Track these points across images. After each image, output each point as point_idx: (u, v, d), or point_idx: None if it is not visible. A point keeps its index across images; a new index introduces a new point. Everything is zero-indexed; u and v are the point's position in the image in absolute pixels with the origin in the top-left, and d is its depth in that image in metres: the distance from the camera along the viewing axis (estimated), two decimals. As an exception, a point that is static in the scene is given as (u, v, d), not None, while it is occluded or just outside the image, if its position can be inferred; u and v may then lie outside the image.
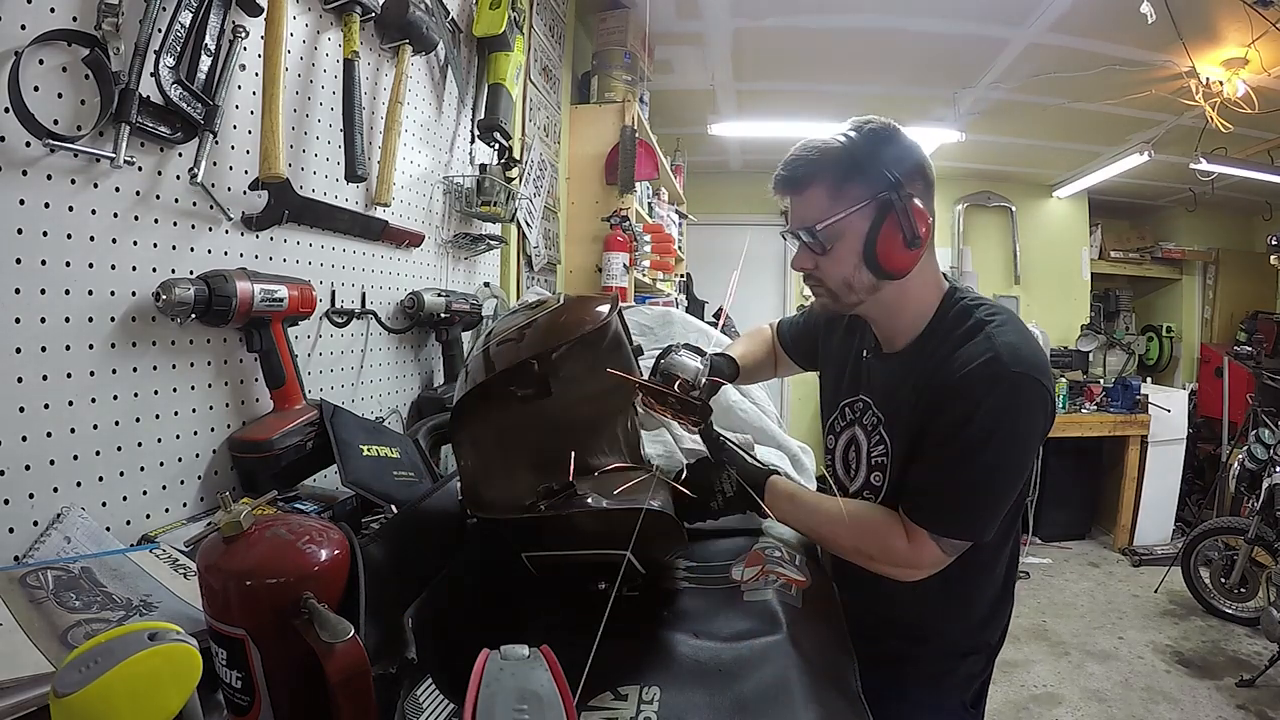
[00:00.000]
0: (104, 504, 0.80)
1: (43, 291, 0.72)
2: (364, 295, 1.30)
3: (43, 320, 0.72)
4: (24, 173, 0.70)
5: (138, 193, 0.82)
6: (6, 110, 0.67)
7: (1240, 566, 3.27)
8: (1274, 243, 3.85)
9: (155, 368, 0.86)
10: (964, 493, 0.84)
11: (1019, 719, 2.60)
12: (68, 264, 0.74)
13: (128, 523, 0.83)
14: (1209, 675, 2.87)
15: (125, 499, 0.82)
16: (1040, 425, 0.85)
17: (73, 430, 0.76)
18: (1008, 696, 2.70)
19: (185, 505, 0.91)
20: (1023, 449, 0.85)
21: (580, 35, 2.81)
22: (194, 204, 0.91)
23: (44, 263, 0.72)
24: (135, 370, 0.83)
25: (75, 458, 0.76)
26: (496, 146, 1.69)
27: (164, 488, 0.88)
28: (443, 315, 1.45)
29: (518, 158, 1.81)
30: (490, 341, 0.82)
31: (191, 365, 0.91)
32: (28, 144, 0.69)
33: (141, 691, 0.43)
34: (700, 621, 0.76)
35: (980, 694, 1.05)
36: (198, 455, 0.93)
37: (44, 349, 0.72)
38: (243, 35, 0.92)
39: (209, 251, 0.94)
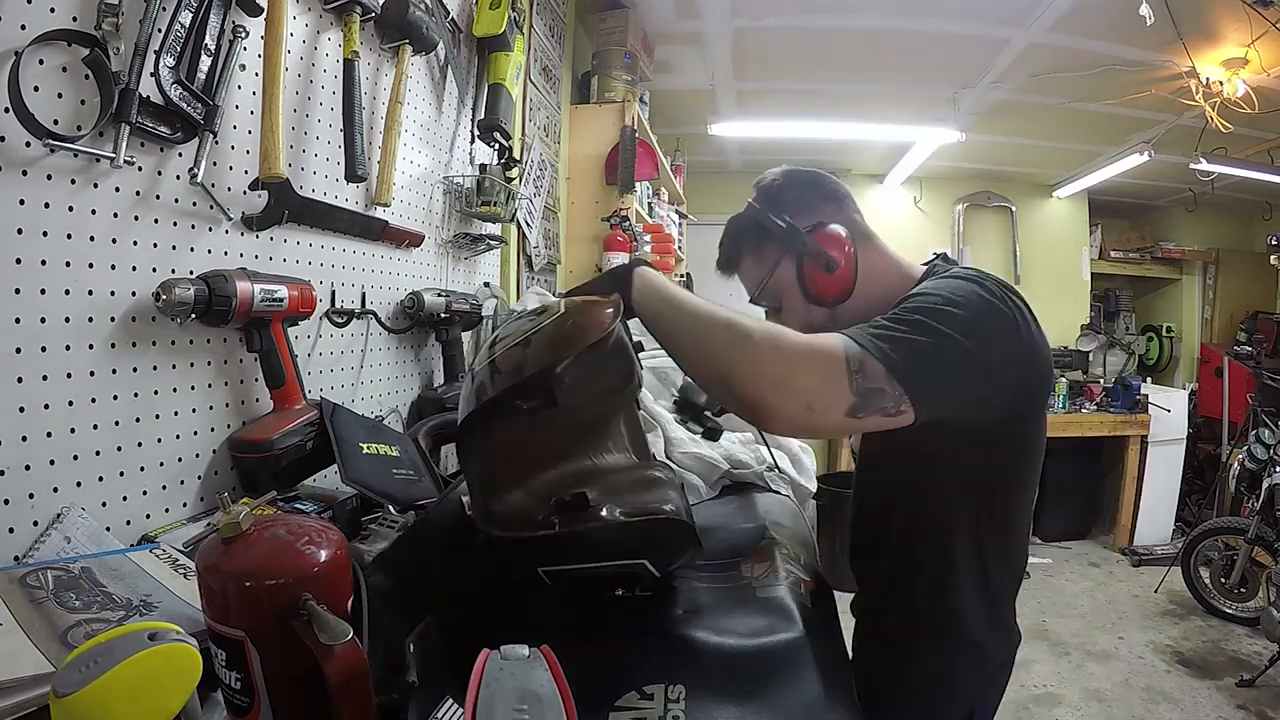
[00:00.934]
0: (104, 504, 0.80)
1: (43, 291, 0.72)
2: (364, 295, 1.30)
3: (43, 320, 0.72)
4: (24, 173, 0.70)
5: (138, 193, 0.82)
6: (6, 110, 0.67)
7: (1240, 566, 3.27)
8: (1274, 243, 3.86)
9: (155, 368, 0.86)
10: (899, 329, 0.71)
11: (1019, 719, 2.60)
12: (68, 264, 0.74)
13: (128, 523, 0.83)
14: (1209, 675, 2.87)
15: (125, 499, 0.82)
16: (994, 306, 0.75)
17: (73, 430, 0.76)
18: (1008, 696, 2.70)
19: (185, 505, 0.91)
20: (972, 316, 0.73)
21: (580, 35, 2.81)
22: (194, 204, 0.91)
23: (44, 263, 0.72)
24: (135, 370, 0.83)
25: (75, 458, 0.76)
26: (496, 146, 1.69)
27: (164, 488, 0.88)
28: (443, 315, 1.45)
29: (518, 158, 1.81)
30: (495, 353, 0.81)
31: (191, 365, 0.91)
32: (28, 144, 0.69)
33: (141, 691, 0.43)
34: (717, 619, 0.75)
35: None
36: (198, 455, 0.93)
37: (44, 349, 0.72)
38: (243, 35, 0.92)
39: (209, 251, 0.94)
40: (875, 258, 0.94)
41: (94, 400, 0.78)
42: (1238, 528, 3.26)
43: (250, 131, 0.97)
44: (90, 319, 0.77)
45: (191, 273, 0.89)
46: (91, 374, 0.77)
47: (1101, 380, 4.69)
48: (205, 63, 0.87)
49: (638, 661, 0.67)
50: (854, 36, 2.94)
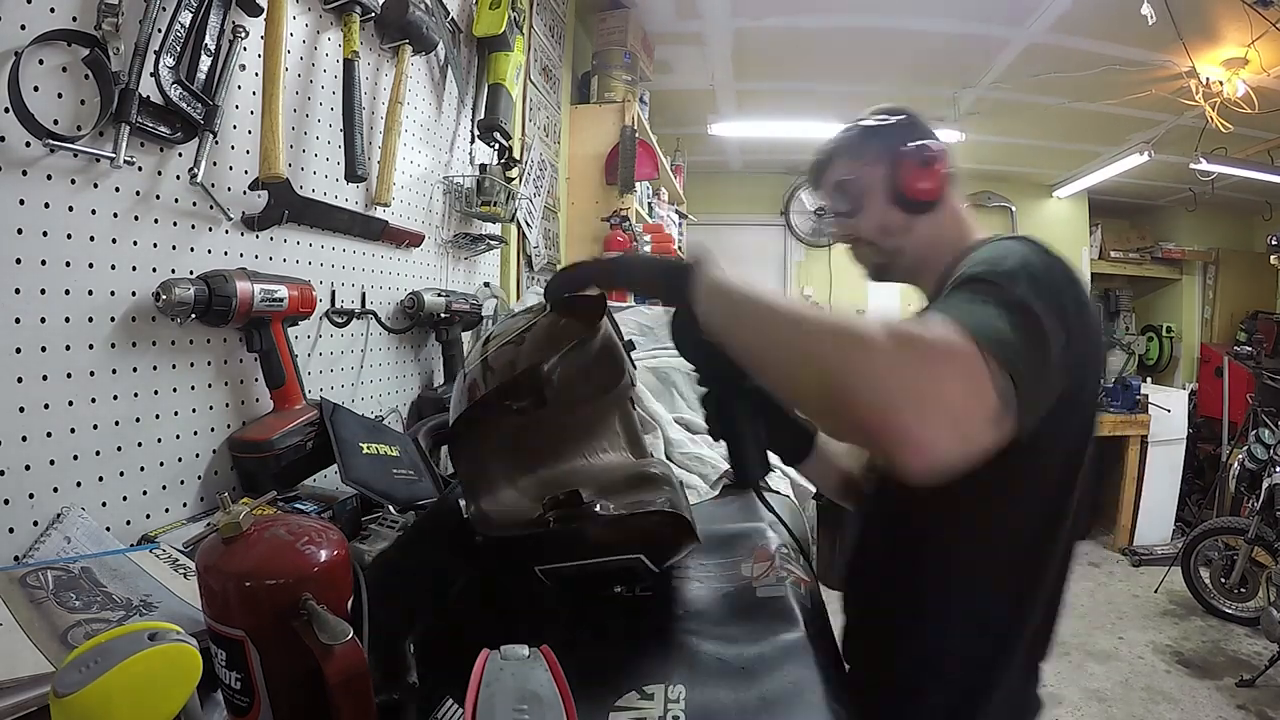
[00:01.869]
0: (104, 504, 0.80)
1: (43, 291, 0.72)
2: (364, 295, 1.30)
3: (43, 320, 0.72)
4: (24, 173, 0.70)
5: (138, 193, 0.82)
6: (6, 110, 0.67)
7: (1240, 566, 3.27)
8: (1274, 243, 3.86)
9: (155, 368, 0.86)
10: (990, 295, 0.59)
11: (1019, 719, 2.60)
12: (68, 264, 0.74)
13: (128, 523, 0.83)
14: (1209, 675, 2.87)
15: (125, 499, 0.82)
16: (1069, 274, 0.66)
17: (73, 430, 0.76)
18: (1008, 696, 2.70)
19: (185, 505, 0.91)
20: (1053, 278, 0.64)
21: (580, 35, 2.81)
22: (194, 204, 0.90)
23: (44, 263, 0.72)
24: (135, 370, 0.83)
25: (75, 458, 0.76)
26: (496, 146, 1.69)
27: (164, 488, 0.88)
28: (443, 315, 1.45)
29: (518, 158, 1.81)
30: (487, 351, 0.81)
31: (191, 365, 0.91)
32: (28, 144, 0.69)
33: (141, 691, 0.43)
34: (718, 619, 0.75)
35: None
36: (198, 455, 0.93)
37: (44, 349, 0.72)
38: (243, 35, 0.92)
39: (209, 251, 0.94)
40: (958, 206, 0.92)
41: (94, 400, 0.78)
42: (1238, 528, 3.26)
43: (250, 131, 0.97)
44: (90, 319, 0.77)
45: (191, 273, 0.89)
46: (91, 374, 0.77)
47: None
48: (205, 63, 0.87)
49: (638, 661, 0.67)
50: (854, 36, 2.95)
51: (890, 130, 0.90)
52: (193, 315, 0.84)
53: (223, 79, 0.89)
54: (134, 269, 0.82)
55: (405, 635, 0.66)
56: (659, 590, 0.82)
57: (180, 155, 0.87)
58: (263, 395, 1.02)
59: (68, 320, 0.75)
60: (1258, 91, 2.87)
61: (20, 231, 0.69)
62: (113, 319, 0.80)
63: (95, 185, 0.77)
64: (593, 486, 0.73)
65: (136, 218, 0.83)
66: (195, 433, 0.92)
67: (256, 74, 0.97)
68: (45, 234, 0.72)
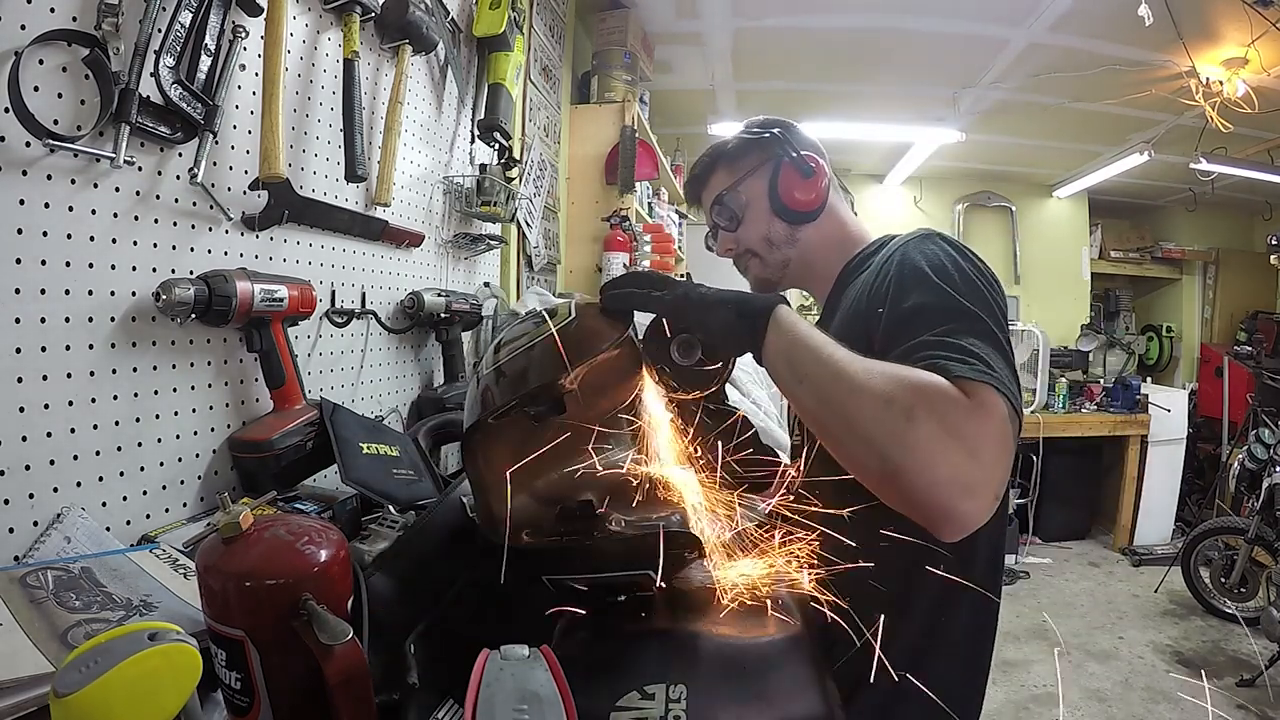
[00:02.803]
0: (104, 504, 0.80)
1: (43, 291, 0.72)
2: (364, 295, 1.30)
3: (43, 320, 0.72)
4: (24, 173, 0.70)
5: (138, 193, 0.82)
6: (6, 110, 0.67)
7: (1240, 566, 3.27)
8: (1274, 243, 3.85)
9: (155, 368, 0.86)
10: (976, 336, 0.62)
11: (1019, 719, 2.60)
12: (68, 264, 0.74)
13: (128, 523, 0.83)
14: (1209, 675, 2.87)
15: (125, 499, 0.82)
16: (991, 274, 0.71)
17: (73, 430, 0.76)
18: (1008, 696, 2.70)
19: (185, 505, 0.91)
20: (989, 287, 0.69)
21: (580, 35, 2.81)
22: (194, 204, 0.90)
23: (44, 263, 0.72)
24: (135, 370, 0.83)
25: (75, 458, 0.76)
26: (496, 146, 1.69)
27: (164, 488, 0.88)
28: (443, 315, 1.45)
29: (518, 158, 1.81)
30: (500, 357, 0.80)
31: (191, 365, 0.91)
32: (28, 144, 0.69)
33: (141, 691, 0.43)
34: (718, 618, 0.75)
35: None
36: (198, 455, 0.93)
37: (44, 349, 0.72)
38: (243, 35, 0.92)
39: (209, 251, 0.94)
40: (841, 205, 0.93)
41: (94, 400, 0.78)
42: (1238, 528, 3.26)
43: (250, 131, 0.97)
44: (90, 319, 0.77)
45: (191, 273, 0.89)
46: (91, 374, 0.77)
47: (1101, 380, 4.69)
48: (205, 63, 0.87)
49: (638, 661, 0.67)
50: (854, 36, 2.94)
51: (768, 142, 0.90)
52: (193, 315, 0.84)
53: (223, 79, 0.89)
54: (134, 269, 0.82)
55: (405, 635, 0.66)
56: (658, 590, 0.81)
57: (180, 155, 0.87)
58: (263, 395, 1.02)
59: (68, 320, 0.75)
60: (1258, 91, 2.87)
61: (20, 231, 0.69)
62: (113, 319, 0.80)
63: (95, 185, 0.77)
64: (604, 493, 0.73)
65: (136, 218, 0.83)
66: (195, 433, 0.92)
67: (256, 74, 0.97)
68: (45, 234, 0.72)
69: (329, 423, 1.00)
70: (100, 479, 0.79)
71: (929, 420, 0.53)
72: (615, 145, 2.60)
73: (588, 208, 2.63)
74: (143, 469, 0.85)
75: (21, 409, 0.70)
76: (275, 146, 0.94)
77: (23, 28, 0.68)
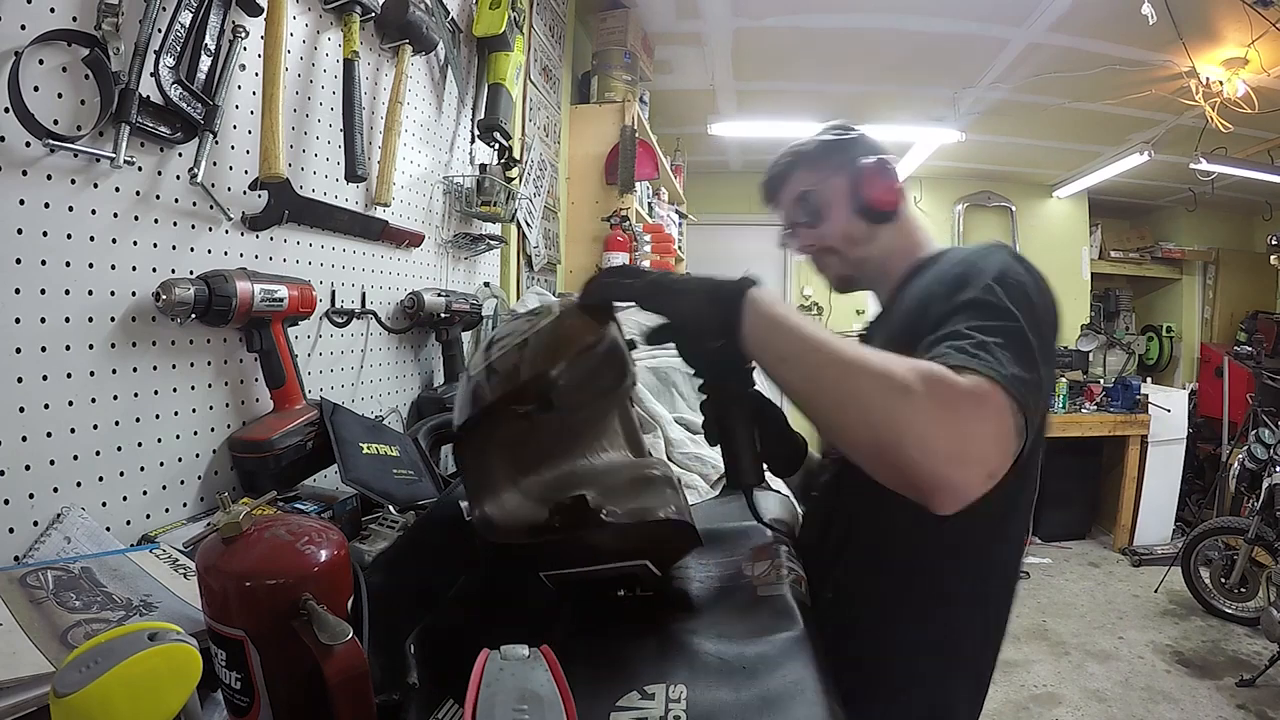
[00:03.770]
0: (104, 504, 0.80)
1: (43, 291, 0.72)
2: (364, 295, 1.30)
3: (43, 320, 0.72)
4: (24, 173, 0.70)
5: (138, 193, 0.82)
6: (6, 110, 0.67)
7: (1240, 566, 3.27)
8: (1274, 243, 3.86)
9: (155, 368, 0.86)
10: (1000, 334, 0.62)
11: (1019, 719, 2.60)
12: (68, 264, 0.74)
13: (128, 523, 0.83)
14: (1209, 675, 2.87)
15: (125, 499, 0.82)
16: (1052, 296, 0.72)
17: (73, 430, 0.76)
18: (1008, 696, 2.70)
19: (185, 505, 0.91)
20: (1044, 304, 0.70)
21: (580, 35, 2.81)
22: (194, 204, 0.91)
23: (44, 263, 0.72)
24: (135, 370, 0.83)
25: (75, 458, 0.76)
26: (496, 146, 1.69)
27: (164, 488, 0.88)
28: (443, 315, 1.45)
29: (518, 158, 1.81)
30: (491, 355, 0.81)
31: (191, 365, 0.91)
32: (28, 144, 0.69)
33: (141, 691, 0.43)
34: (719, 618, 0.75)
35: None
36: (198, 455, 0.93)
37: (44, 349, 0.72)
38: (243, 35, 0.92)
39: (209, 251, 0.94)
40: (914, 212, 0.97)
41: (94, 400, 0.78)
42: (1238, 528, 3.26)
43: (250, 131, 0.97)
44: (90, 319, 0.77)
45: (191, 273, 0.89)
46: (91, 374, 0.77)
47: (1101, 380, 4.69)
48: (205, 63, 0.87)
49: (638, 661, 0.67)
50: (854, 36, 2.95)
51: (848, 144, 0.95)
52: (193, 315, 0.84)
53: (223, 79, 0.89)
54: (134, 269, 0.82)
55: (405, 635, 0.66)
56: (659, 590, 0.82)
57: (180, 155, 0.87)
58: (263, 395, 1.02)
59: (68, 320, 0.75)
60: (1258, 91, 2.87)
61: (20, 231, 0.69)
62: (113, 319, 0.80)
63: (95, 185, 0.77)
64: (596, 488, 0.73)
65: (136, 218, 0.83)
66: (195, 433, 0.92)
67: (256, 74, 0.97)
68: (45, 234, 0.72)
69: (329, 423, 1.00)
70: (100, 479, 0.79)
71: (923, 395, 0.54)
72: (615, 145, 2.60)
73: (588, 208, 2.63)
74: (143, 469, 0.85)
75: (21, 409, 0.70)
76: (275, 146, 0.94)
77: (23, 28, 0.68)
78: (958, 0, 2.64)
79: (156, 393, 0.86)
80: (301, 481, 1.04)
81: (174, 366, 0.89)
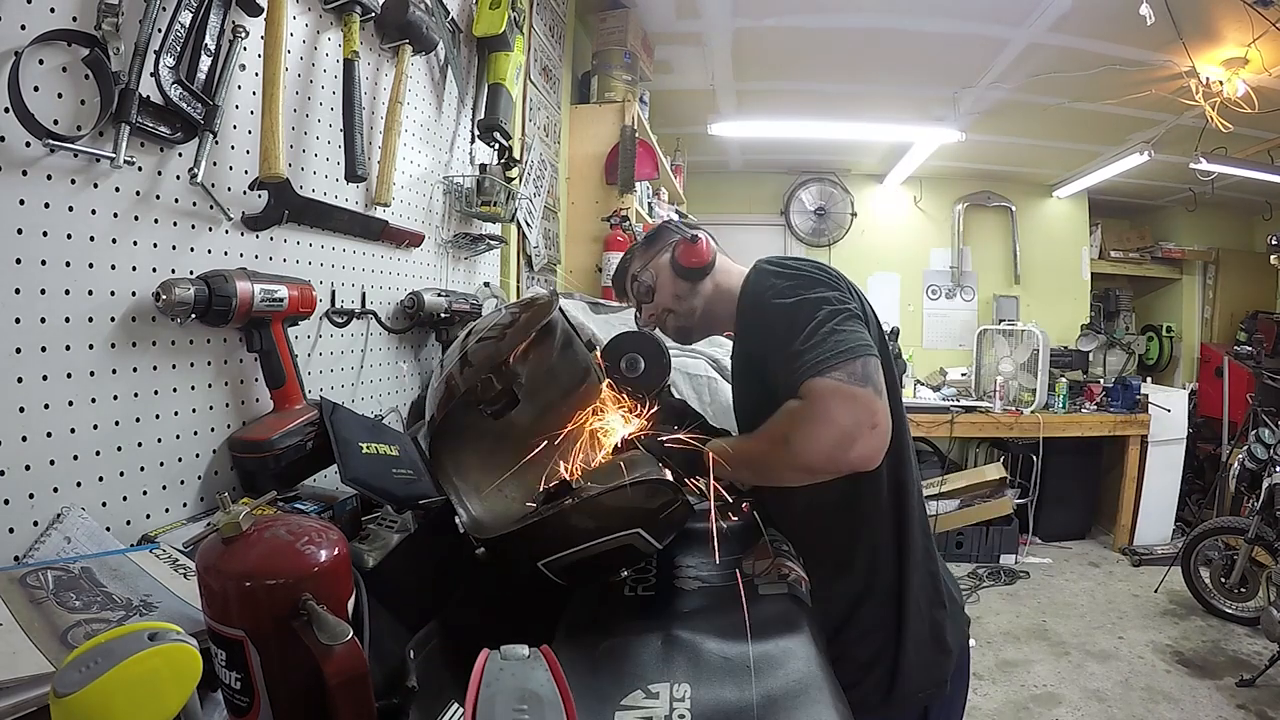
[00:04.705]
0: (104, 504, 0.80)
1: (43, 291, 0.72)
2: (364, 295, 1.30)
3: (43, 320, 0.72)
4: (24, 173, 0.70)
5: (138, 193, 0.82)
6: (6, 110, 0.67)
7: (1240, 566, 3.27)
8: (1274, 243, 3.85)
9: (155, 368, 0.86)
10: (802, 335, 0.85)
11: (1019, 719, 2.60)
12: (68, 264, 0.74)
13: (128, 523, 0.83)
14: (1209, 675, 2.87)
15: (125, 499, 0.82)
16: (810, 264, 0.96)
17: (73, 430, 0.76)
18: (1008, 696, 2.70)
19: (185, 505, 0.91)
20: (812, 284, 0.91)
21: (580, 35, 2.81)
22: (194, 204, 0.91)
23: (44, 263, 0.72)
24: (135, 370, 0.83)
25: (75, 458, 0.76)
26: (496, 146, 1.69)
27: (164, 488, 0.88)
28: (443, 315, 1.45)
29: (518, 158, 1.81)
30: (467, 345, 0.84)
31: (191, 365, 0.91)
32: (28, 144, 0.69)
33: (141, 691, 0.43)
34: (721, 618, 0.76)
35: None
36: (198, 455, 0.93)
37: (44, 349, 0.72)
38: (243, 35, 0.92)
39: (209, 251, 0.94)
40: (730, 262, 1.15)
41: (94, 400, 0.78)
42: (1238, 528, 3.26)
43: (250, 131, 0.97)
44: (90, 319, 0.77)
45: (191, 273, 0.89)
46: (91, 374, 0.77)
47: (1101, 380, 4.68)
48: (205, 63, 0.87)
49: (643, 660, 0.67)
50: (854, 36, 2.95)
51: (659, 231, 1.19)
52: (193, 315, 0.84)
53: (223, 79, 0.89)
54: (134, 269, 0.82)
55: (406, 639, 0.66)
56: (662, 589, 0.82)
57: (180, 155, 0.87)
58: (263, 395, 1.02)
59: (68, 320, 0.75)
60: (1258, 91, 2.87)
61: (20, 231, 0.69)
62: (113, 319, 0.80)
63: (95, 185, 0.77)
64: (579, 476, 0.75)
65: (136, 218, 0.83)
66: (195, 433, 0.92)
67: (256, 74, 0.97)
68: (45, 234, 0.72)
69: (329, 422, 1.00)
70: (100, 479, 0.79)
71: (794, 432, 0.80)
72: (615, 145, 2.60)
73: (588, 208, 2.63)
74: (143, 469, 0.85)
75: (21, 409, 0.70)
76: (275, 146, 0.94)
77: (23, 28, 0.68)
78: (957, 0, 2.64)
79: (156, 393, 0.86)
80: (301, 481, 1.04)
81: (174, 366, 0.89)
